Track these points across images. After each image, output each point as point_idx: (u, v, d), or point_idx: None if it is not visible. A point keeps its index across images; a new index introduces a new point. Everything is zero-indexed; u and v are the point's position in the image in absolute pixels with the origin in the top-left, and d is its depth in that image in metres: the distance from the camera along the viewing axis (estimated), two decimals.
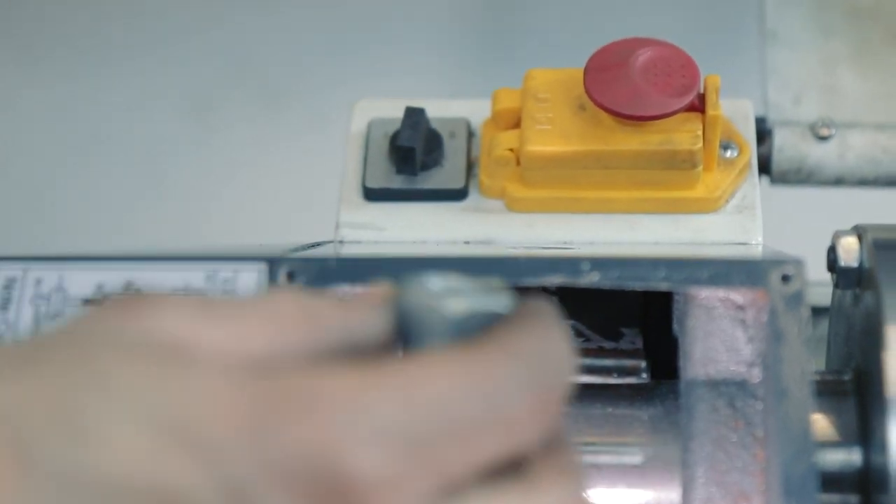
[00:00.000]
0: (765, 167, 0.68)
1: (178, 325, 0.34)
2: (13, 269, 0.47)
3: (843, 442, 0.49)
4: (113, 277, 0.46)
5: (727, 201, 0.60)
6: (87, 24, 1.91)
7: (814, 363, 0.46)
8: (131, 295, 0.36)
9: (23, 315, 0.46)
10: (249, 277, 0.46)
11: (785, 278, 0.45)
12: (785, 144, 0.68)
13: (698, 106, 0.58)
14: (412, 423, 0.33)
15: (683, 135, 0.58)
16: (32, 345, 0.34)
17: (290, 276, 0.46)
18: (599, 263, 0.45)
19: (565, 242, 0.58)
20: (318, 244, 0.56)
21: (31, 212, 2.09)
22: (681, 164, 0.58)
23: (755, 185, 0.61)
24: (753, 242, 0.59)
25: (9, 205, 2.17)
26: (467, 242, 0.59)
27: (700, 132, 0.58)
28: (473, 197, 0.62)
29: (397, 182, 0.62)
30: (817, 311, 0.62)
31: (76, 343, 0.33)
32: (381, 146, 0.63)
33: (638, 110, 0.57)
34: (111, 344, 0.33)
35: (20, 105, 2.10)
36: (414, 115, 0.60)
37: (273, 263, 0.46)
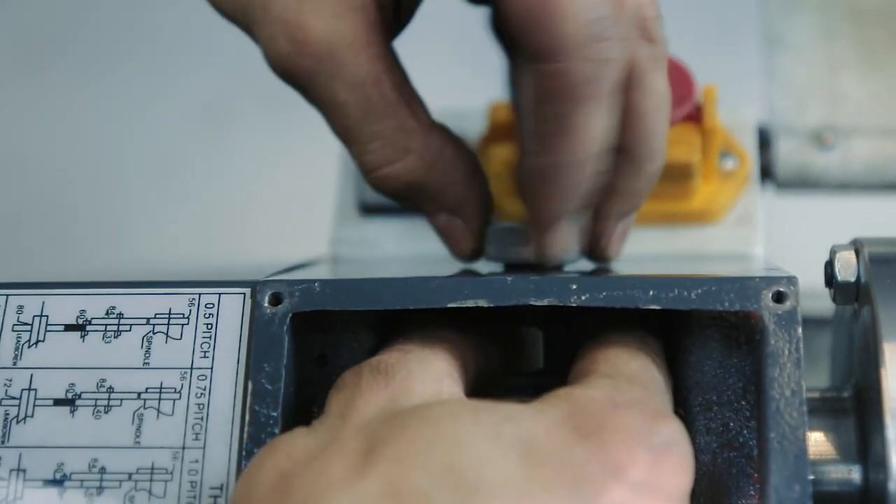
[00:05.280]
0: (769, 175, 0.67)
1: (424, 389, 0.42)
2: None
3: (842, 460, 0.48)
4: (95, 303, 0.46)
5: (727, 213, 0.59)
6: (94, 31, 1.90)
7: (805, 383, 0.45)
8: (377, 376, 0.42)
9: (4, 343, 0.45)
10: (233, 301, 0.46)
11: (778, 296, 0.44)
12: (789, 152, 0.67)
13: (696, 117, 0.57)
14: None
15: (680, 147, 0.57)
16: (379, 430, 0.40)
17: (275, 300, 0.45)
18: (587, 284, 0.44)
19: None
20: (304, 265, 0.56)
21: (42, 218, 2.10)
22: (678, 177, 0.57)
23: (756, 197, 0.60)
24: (754, 254, 0.59)
25: (19, 210, 2.17)
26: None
27: (697, 144, 0.57)
28: None
29: None
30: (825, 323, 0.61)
31: (394, 427, 0.39)
32: None
33: None
34: (427, 412, 0.40)
35: (27, 112, 2.10)
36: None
37: (256, 287, 0.45)
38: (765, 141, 0.67)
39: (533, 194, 0.49)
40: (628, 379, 0.43)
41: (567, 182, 0.47)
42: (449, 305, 0.44)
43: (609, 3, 0.45)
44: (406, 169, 0.49)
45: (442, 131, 0.50)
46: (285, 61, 0.47)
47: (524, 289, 0.44)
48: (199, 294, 0.46)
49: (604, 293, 0.44)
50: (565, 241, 0.50)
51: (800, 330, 0.43)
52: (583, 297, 0.44)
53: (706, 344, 0.46)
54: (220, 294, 0.46)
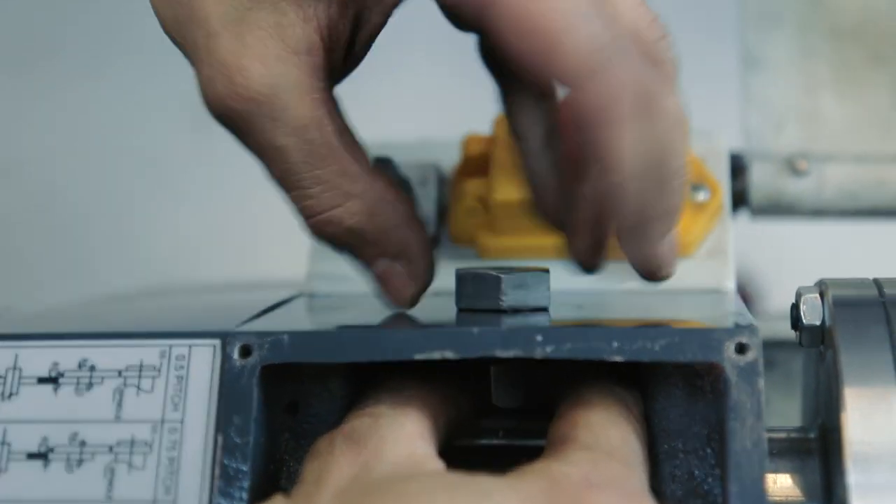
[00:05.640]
0: (743, 201, 0.67)
1: (397, 454, 0.42)
2: None
3: (807, 501, 0.49)
4: (68, 355, 0.46)
5: (699, 246, 0.60)
6: (92, 27, 1.90)
7: (770, 425, 0.45)
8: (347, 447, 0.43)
9: None
10: (204, 353, 0.46)
11: (740, 348, 0.44)
12: (762, 180, 0.67)
13: None
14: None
15: None
16: None
17: (244, 352, 0.46)
18: (552, 336, 0.45)
19: None
20: (283, 302, 0.56)
21: (37, 216, 2.10)
22: None
23: (727, 229, 0.60)
24: (726, 287, 0.59)
25: (15, 210, 2.18)
26: (437, 294, 0.59)
27: None
28: (445, 245, 0.61)
29: None
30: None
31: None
32: None
33: None
34: (403, 487, 0.41)
35: (20, 111, 2.10)
36: (381, 167, 0.60)
37: (227, 339, 0.46)
38: (739, 167, 0.67)
39: (577, 217, 0.50)
40: (608, 452, 0.43)
41: (612, 203, 0.48)
42: (416, 357, 0.45)
43: (607, 29, 0.45)
44: (348, 213, 0.48)
45: (383, 175, 0.49)
46: (223, 103, 0.46)
47: (490, 340, 0.45)
48: (171, 346, 0.46)
49: (568, 345, 0.45)
50: (668, 265, 0.51)
51: (761, 382, 0.44)
52: (548, 349, 0.45)
53: (671, 392, 0.47)
54: (190, 346, 0.46)
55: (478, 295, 0.51)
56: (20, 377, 0.46)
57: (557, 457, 0.43)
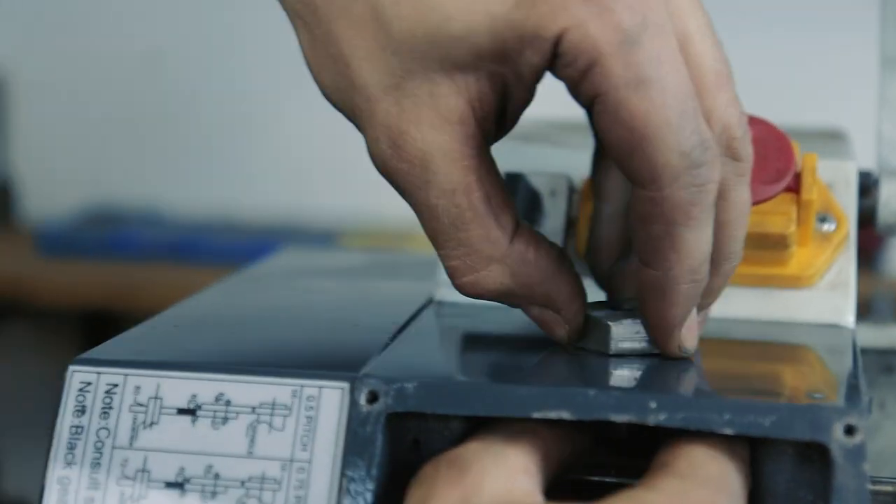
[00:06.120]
0: (870, 220, 0.68)
1: (496, 487, 0.45)
2: (115, 376, 0.50)
3: None
4: (206, 389, 0.49)
5: (821, 277, 0.61)
6: None
7: (871, 486, 0.47)
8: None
9: (122, 423, 0.49)
10: (333, 395, 0.49)
11: (848, 430, 0.46)
12: (891, 198, 0.67)
13: (794, 187, 0.59)
14: None
15: (776, 217, 0.58)
16: None
17: (371, 398, 0.48)
18: (666, 404, 0.46)
19: None
20: (416, 315, 0.58)
21: (177, 108, 2.14)
22: (773, 246, 0.59)
23: (851, 260, 0.61)
24: (845, 323, 0.60)
25: (156, 99, 2.22)
26: None
27: (794, 214, 0.58)
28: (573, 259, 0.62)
29: None
30: None
31: None
32: None
33: None
34: None
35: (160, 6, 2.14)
36: (512, 183, 0.61)
37: (355, 383, 0.48)
38: (867, 185, 0.67)
39: (648, 303, 0.52)
40: (702, 481, 0.45)
41: (677, 292, 0.51)
42: (533, 416, 0.47)
43: (702, 129, 0.48)
44: (490, 278, 0.51)
45: (526, 234, 0.52)
46: (387, 162, 0.50)
47: (605, 404, 0.47)
48: (302, 386, 0.49)
49: (681, 414, 0.46)
50: (687, 341, 0.53)
51: (866, 466, 0.45)
52: (661, 417, 0.47)
53: (781, 458, 0.48)
54: (321, 388, 0.49)
55: (589, 336, 0.53)
56: (161, 407, 0.49)
57: (648, 484, 0.46)
